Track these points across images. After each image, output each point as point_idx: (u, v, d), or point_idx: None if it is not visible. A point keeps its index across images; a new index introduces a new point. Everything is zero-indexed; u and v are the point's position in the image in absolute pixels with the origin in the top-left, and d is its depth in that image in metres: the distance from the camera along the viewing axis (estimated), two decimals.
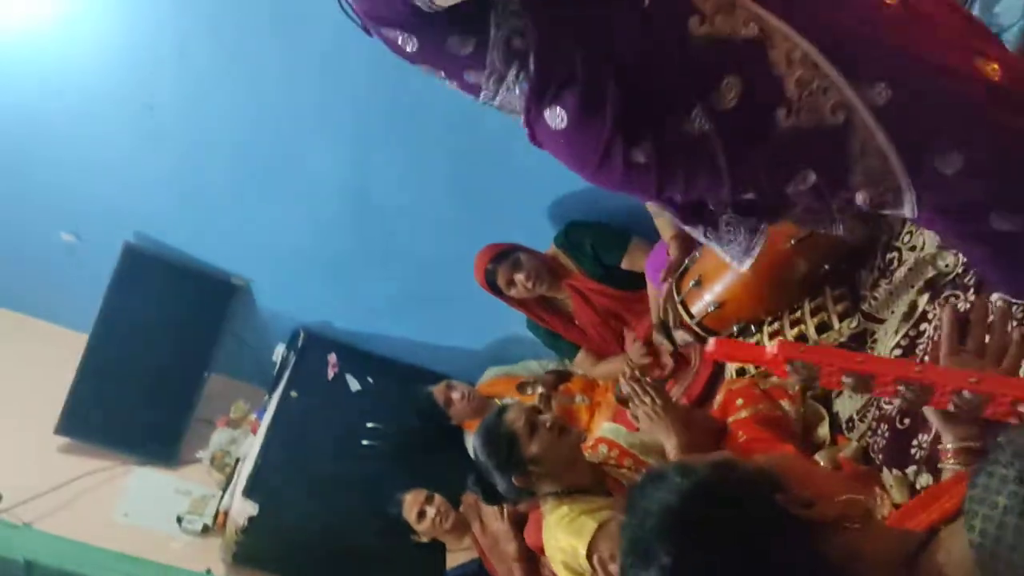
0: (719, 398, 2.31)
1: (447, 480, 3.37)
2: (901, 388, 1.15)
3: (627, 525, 0.97)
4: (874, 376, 1.14)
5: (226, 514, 3.52)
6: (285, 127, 3.26)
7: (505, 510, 3.08)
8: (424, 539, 3.33)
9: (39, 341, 4.02)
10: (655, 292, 2.96)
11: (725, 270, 2.31)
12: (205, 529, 3.67)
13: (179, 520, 3.67)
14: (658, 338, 2.94)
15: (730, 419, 2.18)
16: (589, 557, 2.02)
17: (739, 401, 2.19)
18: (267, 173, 3.45)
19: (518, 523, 3.13)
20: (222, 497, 3.62)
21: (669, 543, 0.90)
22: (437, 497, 3.32)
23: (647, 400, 2.14)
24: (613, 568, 1.99)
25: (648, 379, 2.20)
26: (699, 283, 2.39)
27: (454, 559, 3.35)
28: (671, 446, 2.10)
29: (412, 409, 3.67)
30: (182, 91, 3.19)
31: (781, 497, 0.89)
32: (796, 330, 2.29)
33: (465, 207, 3.36)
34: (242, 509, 3.42)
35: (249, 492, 3.43)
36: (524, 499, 2.26)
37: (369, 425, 3.75)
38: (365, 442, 3.71)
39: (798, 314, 2.31)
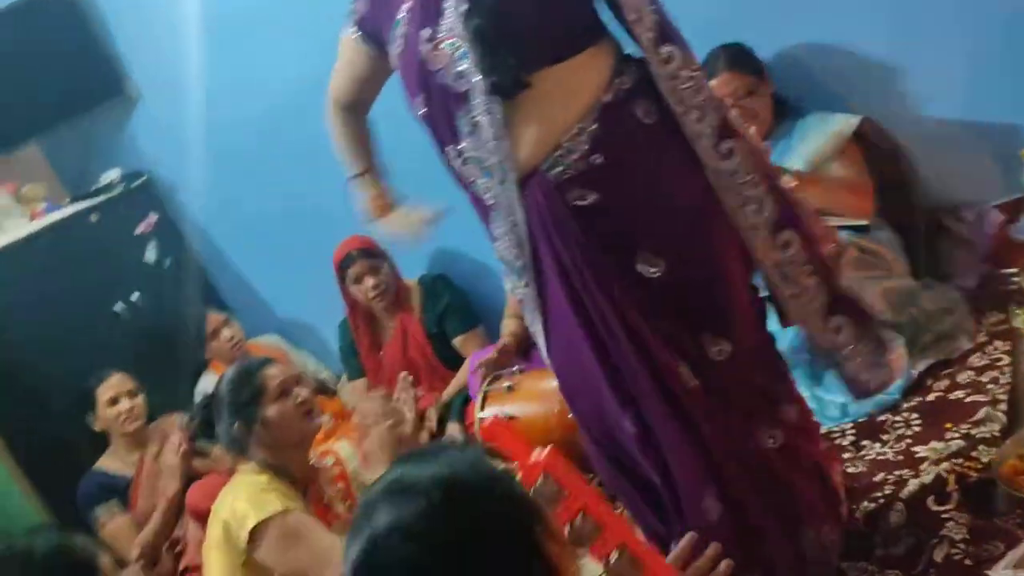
0: None
1: (157, 396, 3.19)
2: (614, 556, 1.18)
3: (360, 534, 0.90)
4: (601, 531, 1.17)
5: None
6: None
7: (183, 450, 2.91)
8: (97, 427, 3.09)
9: None
10: (464, 377, 3.00)
11: (540, 398, 2.37)
12: None
13: None
14: (432, 414, 2.97)
15: None
16: (253, 532, 1.93)
17: None
18: (255, 23, 3.31)
19: (188, 476, 2.98)
20: None
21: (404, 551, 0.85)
22: (140, 397, 3.11)
23: (389, 423, 1.91)
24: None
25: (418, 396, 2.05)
26: (511, 389, 2.45)
27: (106, 462, 3.11)
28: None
29: (181, 316, 3.50)
30: None
31: (539, 529, 0.89)
32: None
33: None
34: None
35: None
36: (232, 450, 2.14)
37: (133, 297, 3.52)
38: (117, 308, 3.47)
39: None
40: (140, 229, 3.65)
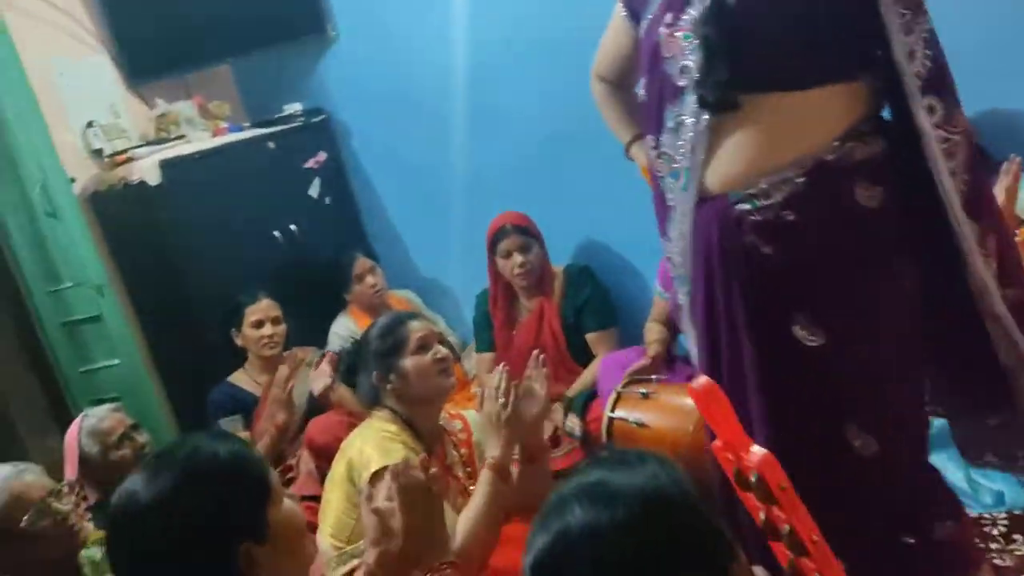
0: None
1: (293, 325, 3.29)
2: None
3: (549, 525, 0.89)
4: (800, 548, 1.11)
5: (130, 160, 3.35)
6: None
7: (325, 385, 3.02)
8: (239, 342, 3.22)
9: None
10: (593, 374, 2.98)
11: (674, 413, 2.32)
12: (97, 153, 3.47)
13: (88, 125, 3.47)
14: (558, 407, 2.95)
15: None
16: (374, 476, 1.96)
17: None
18: None
19: (311, 411, 3.09)
20: (139, 146, 3.45)
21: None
22: (283, 325, 3.23)
23: (501, 401, 1.97)
24: (381, 505, 1.94)
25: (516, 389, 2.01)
26: (645, 396, 2.40)
27: (239, 378, 3.25)
28: (490, 457, 1.96)
29: (332, 254, 3.60)
30: None
31: (732, 568, 0.86)
32: None
33: (549, 170, 3.33)
34: (146, 170, 3.26)
35: (165, 166, 3.28)
36: (368, 397, 2.19)
37: (292, 227, 3.64)
38: (276, 233, 3.60)
39: None
40: (309, 164, 3.77)
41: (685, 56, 1.48)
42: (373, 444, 2.02)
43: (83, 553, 1.99)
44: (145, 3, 3.59)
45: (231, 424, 3.14)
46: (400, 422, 2.10)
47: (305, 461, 2.86)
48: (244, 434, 3.10)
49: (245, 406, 3.17)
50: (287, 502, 1.24)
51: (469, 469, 2.20)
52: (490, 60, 3.39)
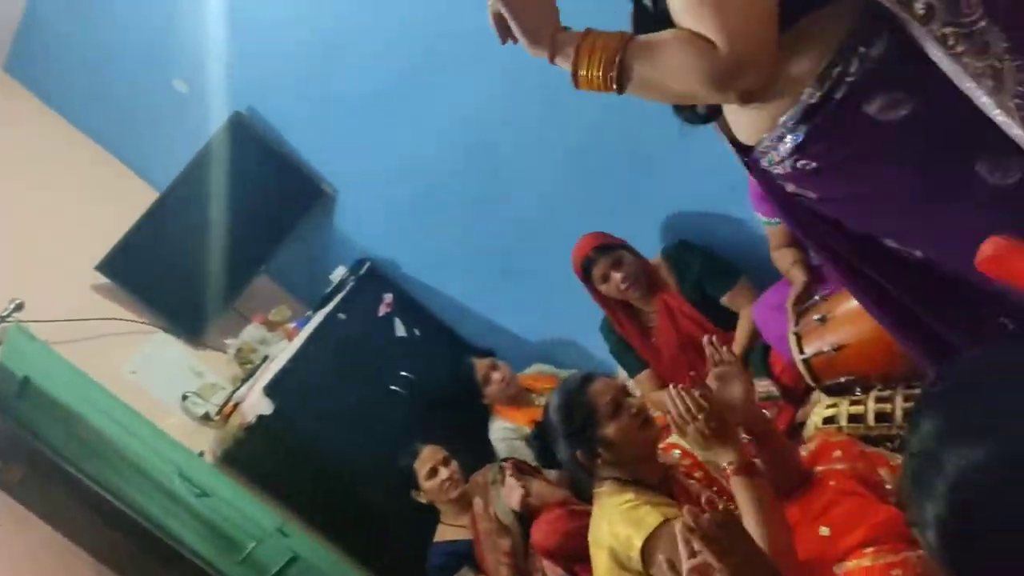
0: (811, 446, 2.16)
1: (460, 455, 3.23)
2: None
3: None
4: None
5: (235, 406, 3.37)
6: (428, 52, 3.17)
7: (516, 501, 2.95)
8: (423, 499, 3.17)
9: (112, 181, 3.93)
10: (748, 326, 2.86)
11: (859, 317, 2.18)
12: (205, 417, 3.51)
13: (184, 397, 3.52)
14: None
15: (820, 467, 2.04)
16: (644, 552, 1.86)
17: (837, 453, 2.04)
18: (394, 95, 3.38)
19: (523, 519, 3.00)
20: (236, 389, 3.47)
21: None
22: (454, 463, 3.17)
23: (701, 418, 1.83)
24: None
25: (698, 393, 1.86)
26: (823, 320, 2.27)
27: (444, 532, 3.19)
28: (728, 462, 1.84)
29: (449, 374, 3.56)
30: None
31: None
32: (909, 405, 2.17)
33: (583, 189, 3.27)
34: (256, 405, 3.27)
35: (270, 391, 3.28)
36: (579, 474, 2.10)
37: (402, 373, 3.62)
38: (393, 388, 3.57)
39: (913, 391, 2.19)
40: (382, 311, 3.76)
41: None
42: (622, 522, 1.92)
43: None
44: (162, 268, 3.66)
45: None
46: (630, 486, 2.00)
47: (550, 570, 2.77)
48: None
49: (465, 555, 3.11)
50: None
51: (715, 488, 2.09)
52: (468, 131, 3.33)
